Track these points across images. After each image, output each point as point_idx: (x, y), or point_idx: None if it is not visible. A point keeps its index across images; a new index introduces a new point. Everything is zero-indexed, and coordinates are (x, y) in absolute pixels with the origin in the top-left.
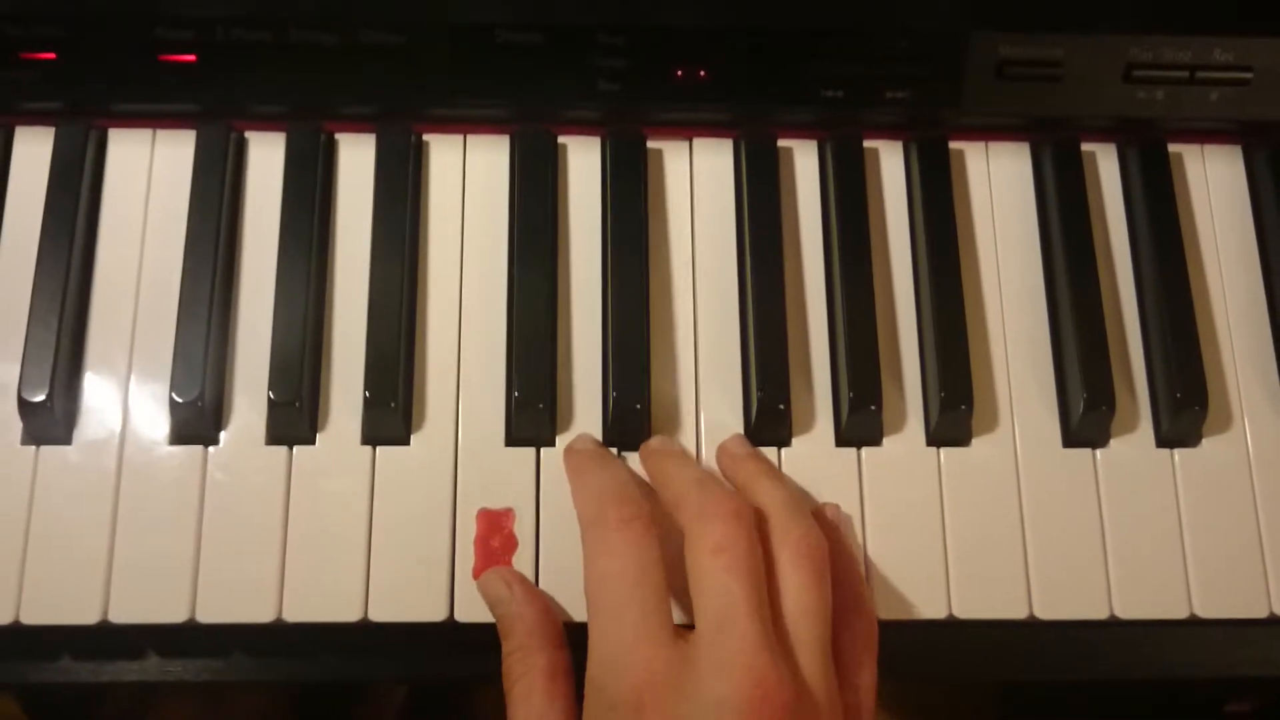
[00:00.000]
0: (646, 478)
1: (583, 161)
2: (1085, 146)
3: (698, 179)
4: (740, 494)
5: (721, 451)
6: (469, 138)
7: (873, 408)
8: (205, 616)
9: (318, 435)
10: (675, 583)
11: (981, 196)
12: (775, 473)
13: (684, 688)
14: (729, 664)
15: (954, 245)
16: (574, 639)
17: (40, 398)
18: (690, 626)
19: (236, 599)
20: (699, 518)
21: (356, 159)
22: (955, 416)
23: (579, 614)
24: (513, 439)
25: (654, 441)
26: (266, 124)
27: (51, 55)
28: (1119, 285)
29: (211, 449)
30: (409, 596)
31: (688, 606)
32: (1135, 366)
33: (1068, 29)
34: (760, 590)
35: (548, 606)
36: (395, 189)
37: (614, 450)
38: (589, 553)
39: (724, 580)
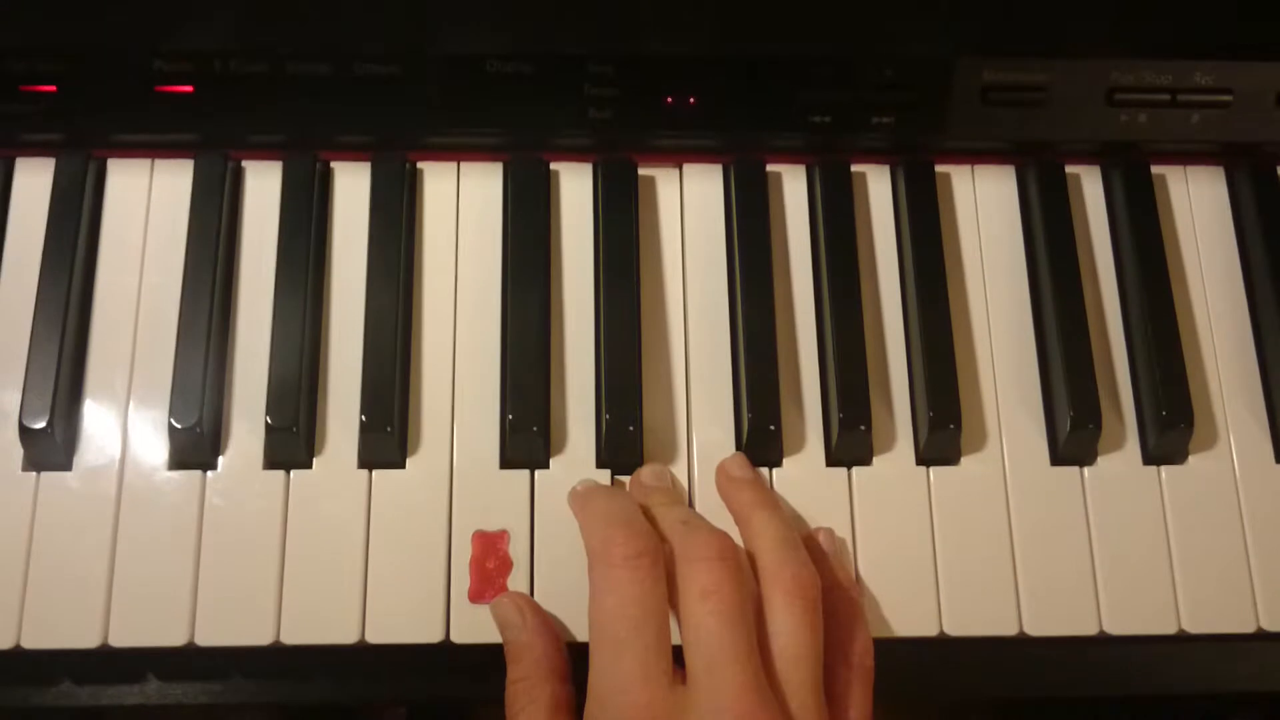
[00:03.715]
0: None
1: (575, 188)
2: (1070, 169)
3: (688, 204)
4: (735, 519)
5: (721, 471)
6: (463, 165)
7: (863, 428)
8: (204, 639)
9: (315, 459)
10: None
11: (968, 219)
12: (771, 502)
13: None
14: (719, 709)
15: (941, 267)
16: (572, 658)
17: (41, 424)
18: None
19: (235, 622)
20: (686, 561)
21: (352, 187)
22: (944, 436)
23: (576, 634)
24: (507, 462)
25: (645, 474)
26: (263, 153)
27: (52, 88)
28: (1104, 305)
29: (210, 474)
30: (405, 618)
31: None
32: (1121, 385)
33: (1051, 54)
34: (749, 633)
35: (557, 638)
36: (390, 216)
37: (608, 473)
38: (594, 588)
39: (712, 624)
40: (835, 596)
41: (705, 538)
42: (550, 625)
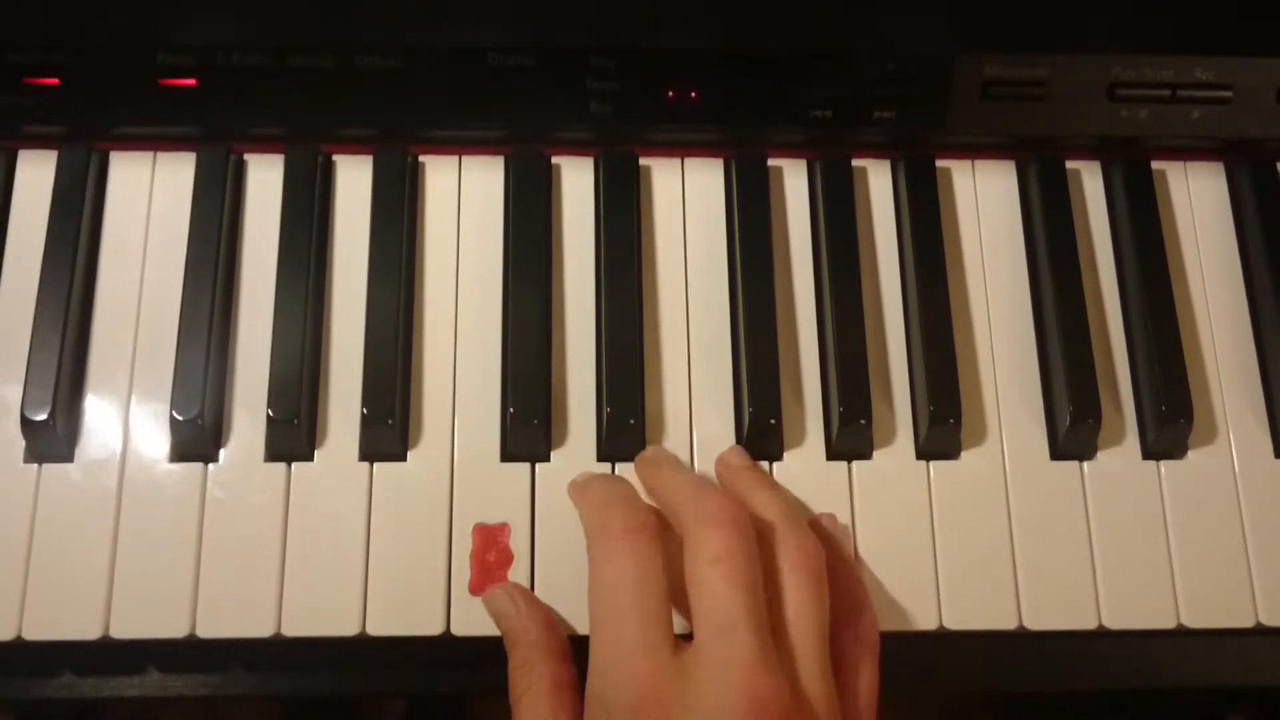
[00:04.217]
0: (642, 491)
1: (576, 181)
2: (1070, 164)
3: (689, 197)
4: None
5: (720, 463)
6: (464, 158)
7: (863, 422)
8: (205, 631)
9: (316, 452)
10: (677, 590)
11: (968, 214)
12: (773, 484)
13: (683, 699)
14: (727, 675)
15: (941, 262)
16: (573, 650)
17: (43, 416)
18: (690, 635)
19: (236, 614)
20: (697, 524)
21: (354, 180)
22: (944, 430)
23: (577, 626)
24: (508, 455)
25: (648, 451)
26: (265, 146)
27: (54, 81)
28: (1104, 300)
29: (211, 466)
30: (406, 610)
31: (689, 614)
32: (1121, 380)
33: (1051, 50)
34: (758, 600)
35: (551, 620)
36: (392, 209)
37: (609, 466)
38: (593, 561)
39: (722, 590)
40: (841, 571)
41: (719, 502)
42: (544, 610)
